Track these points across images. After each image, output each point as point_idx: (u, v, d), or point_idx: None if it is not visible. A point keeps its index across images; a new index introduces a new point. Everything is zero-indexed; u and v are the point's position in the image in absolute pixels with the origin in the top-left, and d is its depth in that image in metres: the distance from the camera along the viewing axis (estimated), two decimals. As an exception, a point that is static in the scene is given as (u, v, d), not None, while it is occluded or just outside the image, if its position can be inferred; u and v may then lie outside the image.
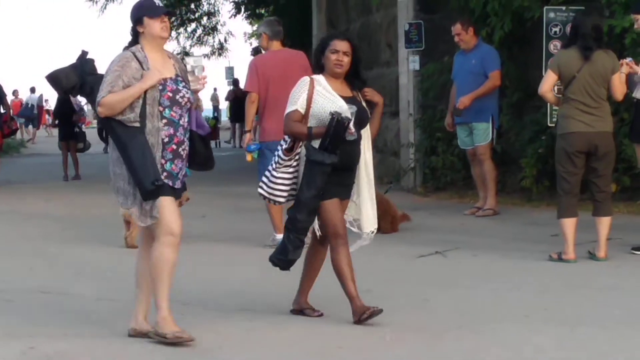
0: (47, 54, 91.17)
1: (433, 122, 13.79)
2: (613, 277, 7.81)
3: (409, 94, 14.32)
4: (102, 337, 6.07)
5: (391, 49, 15.74)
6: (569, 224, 8.29)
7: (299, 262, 6.49)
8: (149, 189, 5.66)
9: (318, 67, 6.50)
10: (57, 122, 19.45)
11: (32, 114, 34.17)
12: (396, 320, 6.37)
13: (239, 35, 46.59)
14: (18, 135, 32.63)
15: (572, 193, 8.35)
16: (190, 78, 5.98)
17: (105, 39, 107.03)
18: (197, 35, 29.99)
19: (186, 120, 5.89)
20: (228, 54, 30.12)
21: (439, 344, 5.77)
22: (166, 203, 5.75)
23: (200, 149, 6.01)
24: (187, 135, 5.91)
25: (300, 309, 6.58)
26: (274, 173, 6.30)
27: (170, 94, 5.80)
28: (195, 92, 5.97)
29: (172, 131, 5.79)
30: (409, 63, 14.21)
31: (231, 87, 33.33)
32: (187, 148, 5.90)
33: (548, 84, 8.47)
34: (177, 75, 5.88)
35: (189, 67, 6.01)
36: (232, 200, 13.79)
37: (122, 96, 5.68)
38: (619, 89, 8.31)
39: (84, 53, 6.22)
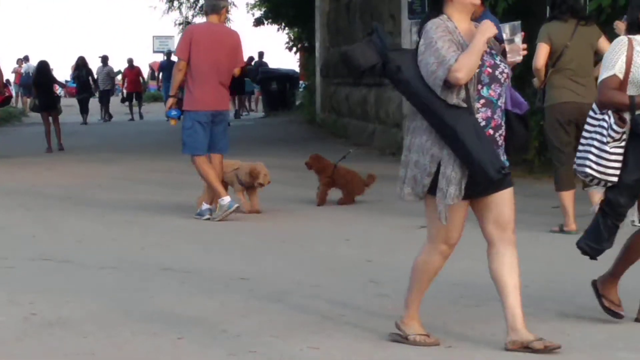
0: (47, 54, 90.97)
1: (435, 94, 13.76)
2: (614, 249, 7.79)
3: (412, 65, 14.27)
4: (104, 304, 6.09)
5: (394, 20, 15.69)
6: (568, 196, 8.30)
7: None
8: (496, 177, 4.85)
9: (634, 26, 5.55)
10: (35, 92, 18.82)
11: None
12: (397, 290, 6.37)
13: (241, 6, 46.52)
14: (19, 104, 32.61)
15: (568, 164, 8.35)
16: (507, 48, 5.13)
17: (105, 39, 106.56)
18: (199, 5, 29.92)
19: (503, 100, 5.10)
20: (230, 25, 29.99)
21: (440, 313, 5.78)
22: (458, 205, 4.99)
23: (519, 130, 5.17)
24: (504, 118, 5.10)
25: (611, 304, 5.68)
26: (606, 148, 5.40)
27: (490, 70, 5.02)
28: (510, 64, 5.16)
29: (489, 113, 4.99)
30: (412, 34, 14.17)
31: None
32: (503, 132, 5.08)
33: (543, 57, 8.43)
34: (490, 48, 5.10)
35: (505, 36, 5.15)
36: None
37: (472, 53, 4.89)
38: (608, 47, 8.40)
39: (377, 27, 5.25)
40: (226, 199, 9.31)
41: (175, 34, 32.07)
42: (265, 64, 33.01)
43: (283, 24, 29.40)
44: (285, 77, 30.81)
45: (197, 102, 9.39)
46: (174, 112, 9.61)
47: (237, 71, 9.65)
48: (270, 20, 29.44)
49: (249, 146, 18.22)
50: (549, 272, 6.96)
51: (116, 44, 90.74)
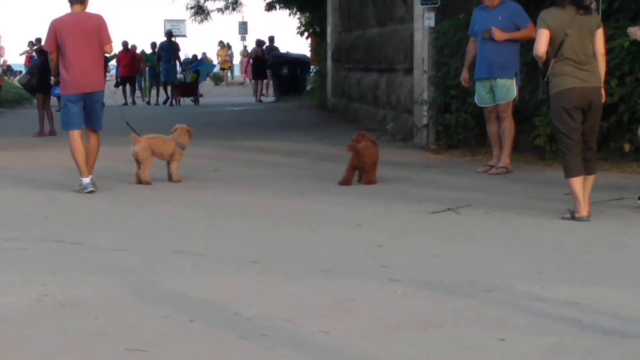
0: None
1: (447, 80, 13.74)
2: (625, 235, 7.80)
3: (424, 50, 14.26)
4: (115, 286, 6.11)
5: (406, 5, 15.65)
6: (578, 182, 8.28)
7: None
8: None
9: None
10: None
11: None
12: (408, 275, 6.38)
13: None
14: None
15: (577, 150, 8.34)
16: None
17: (118, 23, 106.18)
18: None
19: None
20: (242, 9, 29.94)
21: (451, 299, 5.78)
22: None
23: None
24: None
25: None
26: None
27: None
28: None
29: None
30: (424, 20, 14.14)
31: (254, 46, 33.23)
32: None
33: (544, 43, 8.42)
34: None
35: None
36: (244, 154, 13.79)
37: None
38: (602, 43, 8.41)
39: None
40: (85, 180, 10.04)
41: (187, 17, 31.94)
42: (277, 49, 32.97)
43: (295, 9, 29.35)
44: (296, 62, 30.79)
45: (68, 86, 10.25)
46: (56, 91, 11.11)
47: (107, 49, 10.44)
48: (282, 5, 29.39)
49: (260, 130, 18.23)
50: (559, 258, 6.95)
51: (128, 27, 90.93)
